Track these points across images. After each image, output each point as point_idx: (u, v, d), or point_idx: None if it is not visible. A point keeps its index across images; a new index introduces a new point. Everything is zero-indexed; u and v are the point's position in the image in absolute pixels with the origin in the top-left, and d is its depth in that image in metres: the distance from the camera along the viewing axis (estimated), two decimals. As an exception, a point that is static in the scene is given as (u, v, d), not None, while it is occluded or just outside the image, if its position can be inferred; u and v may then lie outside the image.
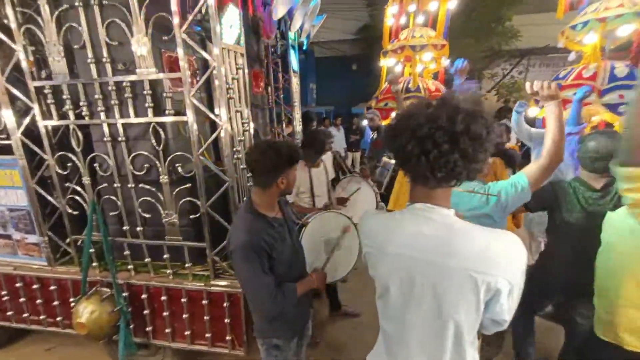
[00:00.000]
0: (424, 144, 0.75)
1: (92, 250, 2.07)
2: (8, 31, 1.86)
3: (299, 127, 3.94)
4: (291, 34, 3.24)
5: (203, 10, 1.74)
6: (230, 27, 1.84)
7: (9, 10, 1.81)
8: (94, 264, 2.13)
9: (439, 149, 0.73)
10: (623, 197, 1.14)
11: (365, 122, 5.48)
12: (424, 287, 0.83)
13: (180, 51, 1.70)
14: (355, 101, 10.33)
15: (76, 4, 1.73)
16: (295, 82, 3.53)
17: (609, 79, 2.77)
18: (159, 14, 1.69)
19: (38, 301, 2.25)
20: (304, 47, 3.50)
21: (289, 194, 1.55)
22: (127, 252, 2.07)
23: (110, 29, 1.77)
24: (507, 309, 0.82)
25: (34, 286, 2.23)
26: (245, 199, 1.54)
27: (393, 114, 4.49)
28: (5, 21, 1.86)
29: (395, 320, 0.92)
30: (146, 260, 2.06)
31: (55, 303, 2.22)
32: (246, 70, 2.05)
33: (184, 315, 2.05)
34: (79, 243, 2.19)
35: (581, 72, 2.92)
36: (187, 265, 2.01)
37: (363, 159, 8.52)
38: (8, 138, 2.03)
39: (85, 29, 1.77)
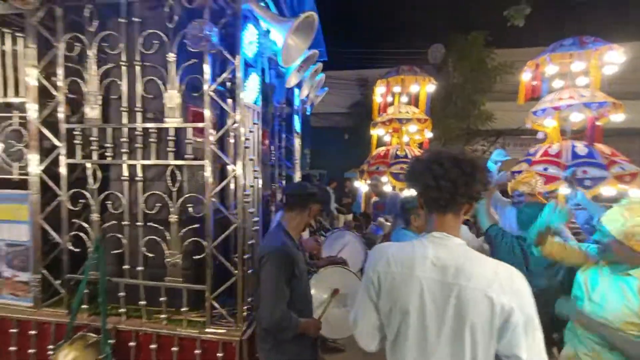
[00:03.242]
0: (446, 185, 0.94)
1: (86, 291, 2.01)
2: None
3: (297, 184, 4.15)
4: (296, 101, 3.67)
5: (229, 76, 2.05)
6: (251, 89, 2.14)
7: (59, 70, 2.08)
8: (84, 306, 2.04)
9: (461, 178, 0.94)
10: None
11: (356, 184, 5.81)
12: (445, 309, 0.91)
13: (207, 108, 1.95)
14: (348, 167, 10.92)
15: (121, 63, 2.02)
16: (297, 142, 3.86)
17: (572, 157, 3.20)
18: (192, 75, 1.99)
19: (11, 348, 2.06)
20: (308, 113, 3.92)
21: (303, 230, 1.84)
22: (121, 294, 2.01)
23: (147, 84, 2.04)
24: (525, 346, 0.86)
25: (12, 330, 2.07)
26: (275, 224, 1.81)
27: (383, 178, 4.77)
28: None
29: (415, 347, 0.95)
30: (141, 303, 1.99)
31: (31, 351, 2.04)
32: (260, 126, 2.31)
33: (172, 367, 1.91)
34: (71, 283, 2.12)
35: (547, 150, 3.39)
36: (183, 309, 1.95)
37: (353, 221, 8.66)
38: (26, 174, 2.13)
39: (125, 84, 2.03)
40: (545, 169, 3.22)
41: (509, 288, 0.89)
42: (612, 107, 3.14)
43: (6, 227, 2.17)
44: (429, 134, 5.42)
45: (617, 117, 3.19)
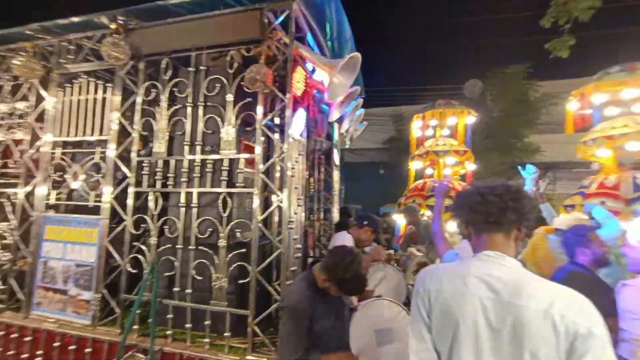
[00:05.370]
0: (494, 199, 0.96)
1: (138, 311, 2.12)
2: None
3: (336, 216, 4.18)
4: (335, 136, 3.84)
5: (279, 112, 2.24)
6: (298, 124, 2.31)
7: (136, 113, 2.41)
8: (135, 327, 2.14)
9: (508, 194, 0.96)
10: None
11: (395, 217, 5.67)
12: (502, 331, 0.86)
13: (258, 142, 2.13)
14: (383, 202, 10.78)
15: (187, 104, 2.30)
16: (336, 173, 3.96)
17: (634, 189, 2.94)
18: (247, 112, 2.21)
19: (69, 364, 2.20)
20: (347, 146, 4.05)
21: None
22: (170, 316, 2.10)
23: (207, 121, 2.29)
24: None
25: (70, 347, 2.22)
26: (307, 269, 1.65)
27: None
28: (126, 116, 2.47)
29: None
30: (187, 326, 2.05)
31: (85, 368, 2.16)
32: (304, 158, 2.45)
33: (212, 396, 1.90)
34: (126, 303, 2.27)
35: (603, 182, 3.15)
36: (226, 334, 1.97)
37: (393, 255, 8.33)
38: (99, 200, 2.41)
39: (189, 122, 2.29)
40: (603, 203, 2.99)
41: (574, 308, 0.82)
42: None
43: (78, 249, 2.42)
44: (471, 166, 5.31)
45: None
